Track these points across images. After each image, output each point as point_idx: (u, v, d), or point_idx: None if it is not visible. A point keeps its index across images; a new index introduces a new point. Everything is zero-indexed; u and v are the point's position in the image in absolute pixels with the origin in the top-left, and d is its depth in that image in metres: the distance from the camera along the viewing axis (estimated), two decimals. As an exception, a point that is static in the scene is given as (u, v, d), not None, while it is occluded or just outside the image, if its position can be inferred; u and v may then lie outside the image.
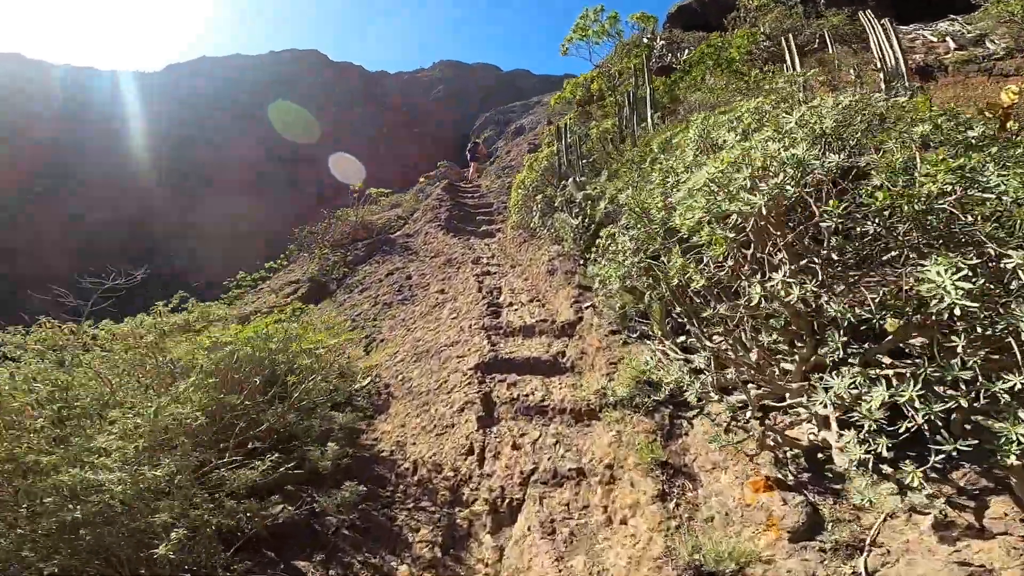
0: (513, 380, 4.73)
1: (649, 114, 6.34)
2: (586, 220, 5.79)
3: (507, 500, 3.63)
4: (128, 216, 31.76)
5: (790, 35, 6.53)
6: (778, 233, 2.38)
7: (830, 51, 8.43)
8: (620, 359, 4.50)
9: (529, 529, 3.28)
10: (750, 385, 3.38)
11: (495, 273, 7.21)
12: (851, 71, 5.42)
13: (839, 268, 2.47)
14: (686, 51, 11.98)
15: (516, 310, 5.81)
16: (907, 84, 4.88)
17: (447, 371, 4.99)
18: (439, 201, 11.16)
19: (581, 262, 6.23)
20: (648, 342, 4.55)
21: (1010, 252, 1.65)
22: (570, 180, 6.62)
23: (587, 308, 5.32)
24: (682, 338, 4.36)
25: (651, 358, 4.30)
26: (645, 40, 9.77)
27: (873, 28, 5.84)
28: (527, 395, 4.49)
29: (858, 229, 2.07)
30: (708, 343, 3.48)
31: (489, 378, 4.76)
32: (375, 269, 8.94)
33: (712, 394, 3.57)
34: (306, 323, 5.48)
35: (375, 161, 38.75)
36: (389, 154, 39.82)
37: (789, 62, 6.95)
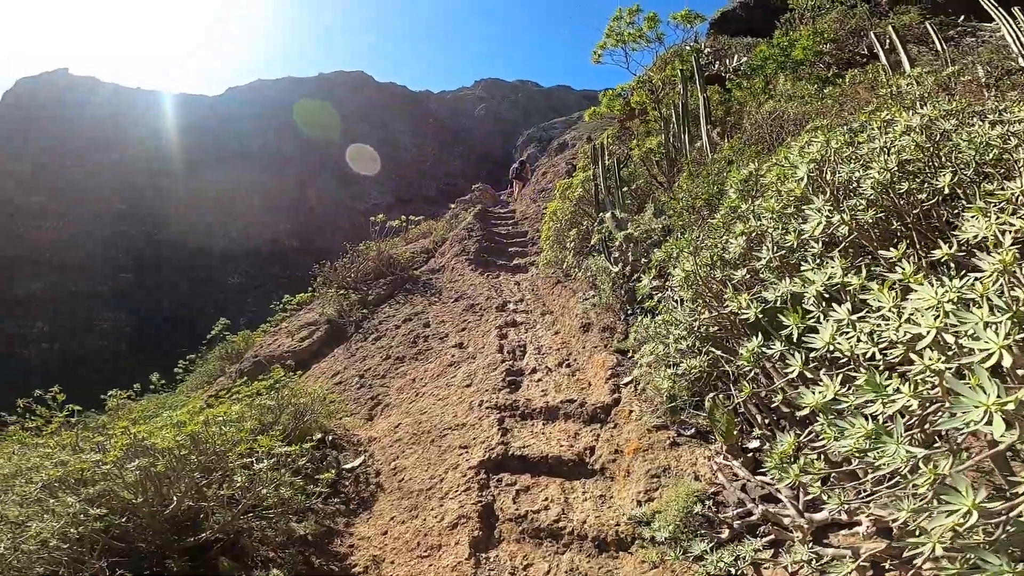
0: (525, 484, 3.65)
1: (704, 130, 5.14)
2: (627, 268, 4.65)
3: None
4: (189, 235, 32.61)
5: (890, 28, 5.18)
6: None
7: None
8: (665, 469, 3.33)
9: None
10: (865, 531, 2.16)
11: (521, 324, 6.15)
12: (979, 70, 4.05)
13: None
14: (735, 58, 10.60)
15: (540, 380, 4.73)
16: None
17: (445, 466, 3.97)
18: (468, 231, 10.26)
19: (621, 316, 5.08)
20: (706, 446, 3.37)
21: None
22: (608, 214, 5.51)
23: (626, 385, 4.17)
24: (755, 443, 3.17)
25: (709, 473, 3.14)
26: (689, 46, 8.48)
27: (1004, 19, 4.41)
28: (538, 511, 3.40)
29: None
30: (800, 476, 2.29)
31: (495, 480, 3.71)
32: (394, 312, 8.09)
33: (797, 536, 2.40)
34: (290, 393, 4.63)
35: (420, 180, 38.91)
36: (434, 172, 39.94)
37: (885, 61, 5.57)
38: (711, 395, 2.88)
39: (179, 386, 10.39)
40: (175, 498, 2.86)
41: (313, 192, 36.51)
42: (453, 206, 13.96)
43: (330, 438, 5.07)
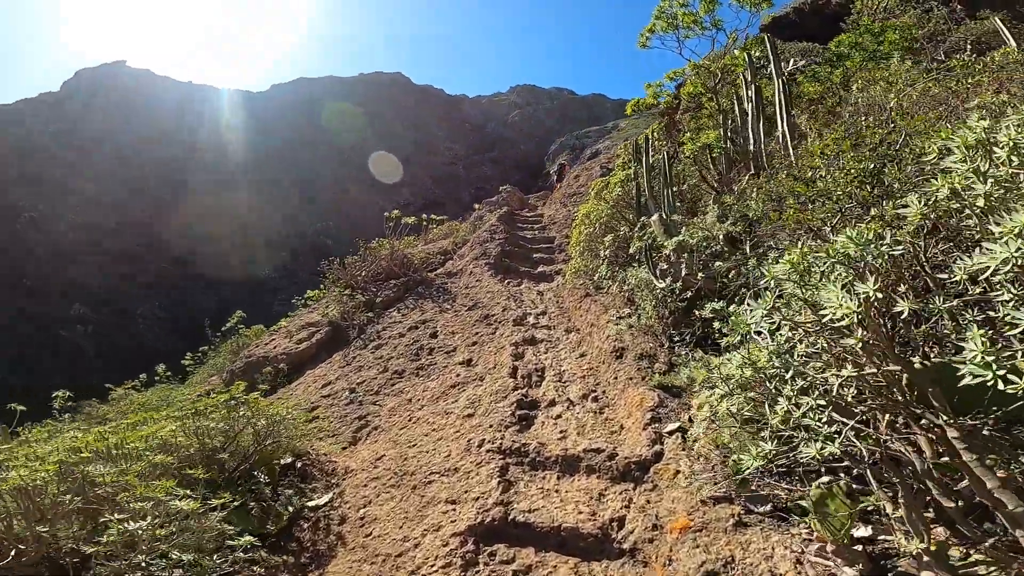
0: (525, 563, 2.68)
1: (781, 121, 4.11)
2: (677, 283, 3.65)
3: None
4: (228, 228, 32.66)
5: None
6: None
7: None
8: (727, 562, 2.35)
9: None
10: None
11: (541, 342, 5.20)
12: None
13: None
14: (790, 62, 9.58)
15: (558, 417, 3.75)
16: None
17: (425, 525, 3.03)
18: (491, 234, 9.38)
19: (664, 343, 4.07)
20: (787, 530, 2.37)
21: None
22: (654, 217, 4.52)
23: (671, 434, 3.17)
24: (865, 531, 2.17)
25: (793, 572, 2.16)
26: (737, 49, 7.33)
27: None
28: (546, 614, 2.43)
29: None
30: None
31: (486, 554, 2.75)
32: (401, 318, 7.25)
33: None
34: (250, 412, 3.79)
35: (453, 183, 38.41)
36: (467, 176, 39.42)
37: (1014, 45, 4.46)
38: (826, 481, 1.88)
39: (189, 378, 9.95)
40: (31, 546, 2.03)
41: (349, 189, 36.44)
42: (478, 207, 13.11)
43: (300, 464, 4.25)
